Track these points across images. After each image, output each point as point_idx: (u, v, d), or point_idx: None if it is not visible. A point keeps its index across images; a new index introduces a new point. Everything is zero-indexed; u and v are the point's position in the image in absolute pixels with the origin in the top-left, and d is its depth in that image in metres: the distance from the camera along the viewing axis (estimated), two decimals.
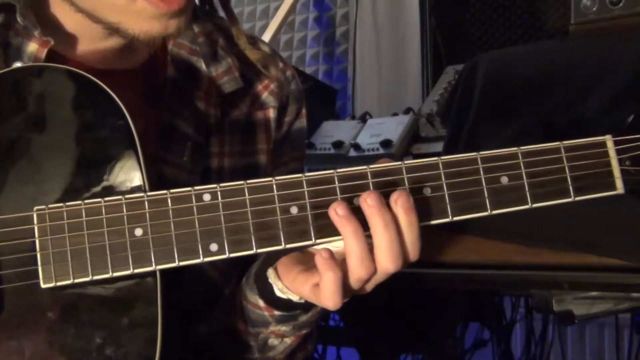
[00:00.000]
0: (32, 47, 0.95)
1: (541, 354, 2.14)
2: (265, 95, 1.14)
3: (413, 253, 0.83)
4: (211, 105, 1.07)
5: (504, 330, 2.15)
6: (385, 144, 1.65)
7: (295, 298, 0.92)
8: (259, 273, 0.96)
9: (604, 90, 1.30)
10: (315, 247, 0.85)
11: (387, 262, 0.81)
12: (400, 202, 0.81)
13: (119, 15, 0.92)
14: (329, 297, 0.82)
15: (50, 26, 0.98)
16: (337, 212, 0.81)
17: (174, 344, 0.85)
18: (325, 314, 1.03)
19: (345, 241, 0.81)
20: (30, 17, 0.96)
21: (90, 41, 1.00)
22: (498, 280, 1.33)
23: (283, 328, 1.00)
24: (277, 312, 0.96)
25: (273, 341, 1.03)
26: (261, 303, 0.97)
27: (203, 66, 1.07)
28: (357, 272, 0.82)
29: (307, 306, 0.95)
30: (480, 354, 2.17)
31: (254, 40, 1.16)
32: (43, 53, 0.95)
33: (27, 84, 0.87)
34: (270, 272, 0.94)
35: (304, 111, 1.19)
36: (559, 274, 1.20)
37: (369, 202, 0.81)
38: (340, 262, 0.82)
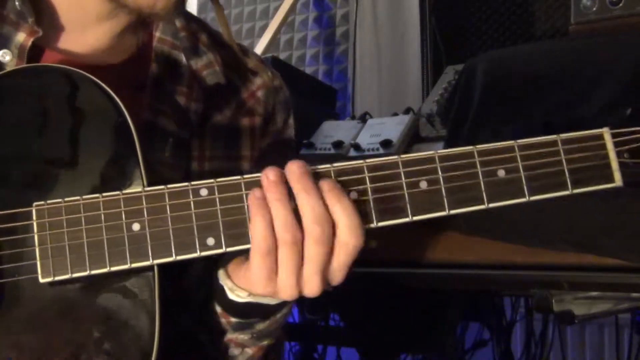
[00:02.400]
0: (20, 36, 0.96)
1: (541, 354, 2.14)
2: (251, 103, 1.14)
3: (350, 234, 0.82)
4: (192, 100, 1.07)
5: (504, 330, 2.15)
6: (385, 144, 1.65)
7: (242, 294, 0.91)
8: (215, 276, 0.96)
9: (603, 91, 1.30)
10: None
11: (312, 226, 0.81)
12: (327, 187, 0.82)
13: None
14: (255, 244, 0.82)
15: (45, 13, 0.99)
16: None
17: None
18: (284, 323, 1.02)
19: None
20: (27, 5, 0.96)
21: (82, 28, 1.00)
22: (498, 280, 1.33)
23: (241, 337, 0.99)
24: (233, 319, 0.96)
25: (233, 350, 1.02)
26: (218, 309, 0.96)
27: (184, 59, 1.08)
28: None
29: (264, 313, 0.95)
30: (480, 354, 2.17)
31: (244, 49, 1.16)
32: (29, 42, 0.95)
33: (24, 83, 0.88)
34: (221, 273, 0.94)
35: (291, 121, 1.19)
36: (559, 274, 1.20)
37: (293, 170, 0.83)
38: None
